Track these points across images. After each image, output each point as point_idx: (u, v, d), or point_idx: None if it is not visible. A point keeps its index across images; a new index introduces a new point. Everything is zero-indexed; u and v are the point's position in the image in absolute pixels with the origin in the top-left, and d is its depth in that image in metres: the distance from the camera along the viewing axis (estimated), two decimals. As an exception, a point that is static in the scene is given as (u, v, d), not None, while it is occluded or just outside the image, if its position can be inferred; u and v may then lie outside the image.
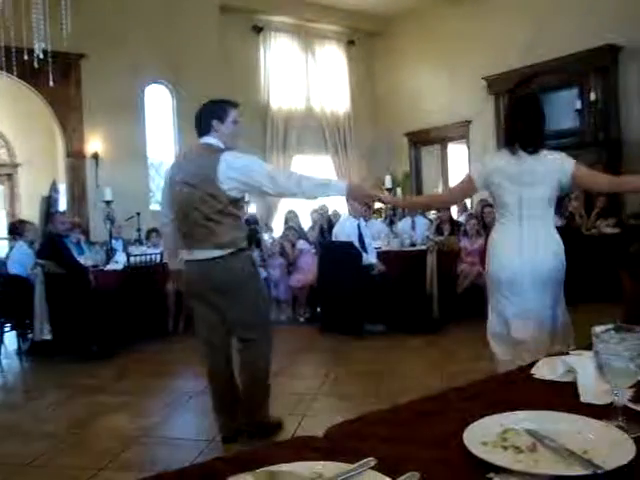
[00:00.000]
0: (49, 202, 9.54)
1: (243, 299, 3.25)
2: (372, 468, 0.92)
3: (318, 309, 7.16)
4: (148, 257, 6.69)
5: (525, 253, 3.03)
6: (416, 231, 7.80)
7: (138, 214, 8.58)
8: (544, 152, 3.06)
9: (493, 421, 1.08)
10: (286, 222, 8.36)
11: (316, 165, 11.95)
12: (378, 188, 10.52)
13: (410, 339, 5.93)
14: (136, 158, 9.71)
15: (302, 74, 11.95)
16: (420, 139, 12.34)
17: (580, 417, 1.08)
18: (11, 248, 7.09)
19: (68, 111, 9.21)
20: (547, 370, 1.40)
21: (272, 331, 3.52)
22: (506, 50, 10.09)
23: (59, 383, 5.11)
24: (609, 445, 0.95)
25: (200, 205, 3.13)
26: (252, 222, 7.82)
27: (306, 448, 1.06)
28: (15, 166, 11.61)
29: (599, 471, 0.86)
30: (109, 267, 6.59)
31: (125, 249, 7.42)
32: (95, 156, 9.39)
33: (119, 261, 6.73)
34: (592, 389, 1.22)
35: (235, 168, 3.11)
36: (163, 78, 10.01)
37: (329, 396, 4.37)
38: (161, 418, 4.06)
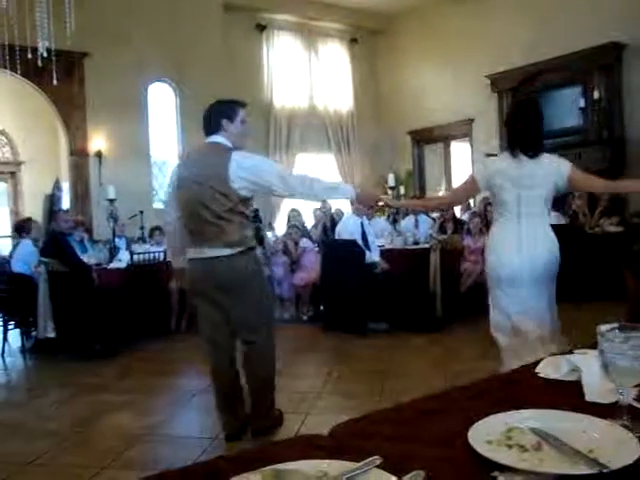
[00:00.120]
0: (52, 200, 9.57)
1: (247, 297, 3.26)
2: (377, 467, 0.92)
3: (321, 307, 7.16)
4: (151, 255, 6.69)
5: (524, 249, 3.16)
6: (419, 229, 7.79)
7: (141, 212, 8.60)
8: (543, 155, 3.18)
9: (498, 420, 1.07)
10: (289, 220, 8.36)
11: (319, 163, 11.96)
12: (381, 187, 10.54)
13: (413, 337, 5.92)
14: (139, 156, 9.72)
15: (305, 72, 11.96)
16: (423, 137, 12.34)
17: (585, 416, 1.07)
18: (14, 246, 7.10)
19: (71, 109, 9.23)
20: (551, 369, 1.40)
21: (275, 330, 3.52)
22: (509, 48, 10.07)
23: (62, 381, 5.12)
24: (614, 444, 0.95)
25: (210, 203, 3.14)
26: (257, 219, 7.82)
27: (311, 446, 1.06)
28: (18, 164, 11.63)
29: (605, 470, 0.86)
30: (112, 265, 6.60)
31: (128, 247, 7.43)
32: (98, 154, 9.41)
33: (122, 259, 6.73)
34: (597, 388, 1.22)
35: (245, 167, 3.13)
36: (166, 76, 10.03)
37: (332, 394, 4.37)
38: (164, 416, 4.07)
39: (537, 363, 1.46)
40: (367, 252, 6.37)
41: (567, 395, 1.24)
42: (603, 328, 1.09)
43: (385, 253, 6.68)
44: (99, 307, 5.81)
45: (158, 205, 9.78)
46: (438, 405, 1.24)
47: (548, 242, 3.23)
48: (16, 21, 5.68)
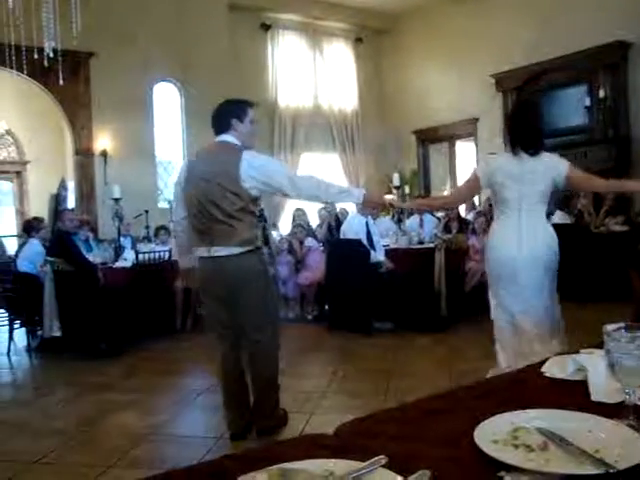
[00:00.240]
0: (58, 199, 9.59)
1: (253, 296, 3.27)
2: (383, 466, 0.92)
3: (326, 307, 7.16)
4: (157, 255, 6.70)
5: (524, 245, 3.27)
6: (424, 229, 7.78)
7: (146, 212, 8.62)
8: (543, 154, 3.32)
9: (504, 419, 1.07)
10: (294, 220, 8.36)
11: (324, 163, 11.96)
12: (386, 187, 10.53)
13: (418, 337, 5.92)
14: (144, 156, 9.74)
15: (310, 72, 11.96)
16: (428, 137, 12.32)
17: (591, 416, 1.07)
18: (21, 245, 7.12)
19: (77, 109, 9.26)
20: (557, 368, 1.40)
21: (280, 330, 3.53)
22: (514, 47, 10.05)
23: (68, 380, 5.14)
24: (621, 444, 0.95)
25: (221, 202, 3.14)
26: (262, 219, 7.82)
27: (316, 446, 1.06)
28: (24, 164, 11.68)
29: (611, 470, 0.86)
30: (118, 265, 6.61)
31: (134, 247, 7.44)
32: (104, 154, 9.43)
33: (128, 259, 6.75)
34: (603, 388, 1.21)
35: (255, 167, 3.15)
36: (172, 76, 10.04)
37: (337, 394, 4.37)
38: (169, 416, 4.07)
39: (543, 363, 1.46)
40: (372, 251, 6.37)
41: (573, 395, 1.24)
42: (609, 328, 1.09)
43: (390, 252, 6.67)
44: (104, 306, 5.83)
45: (163, 204, 9.81)
46: (444, 405, 1.24)
47: (548, 237, 3.34)
48: (22, 21, 5.69)
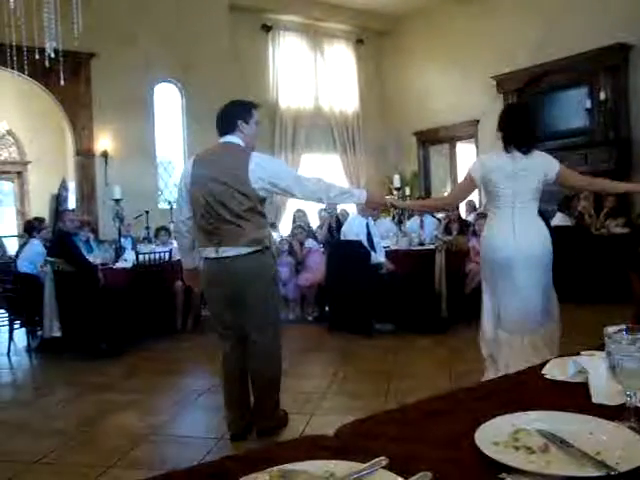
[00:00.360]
0: (58, 200, 9.60)
1: (259, 296, 3.27)
2: (384, 467, 0.92)
3: (326, 308, 7.16)
4: (157, 255, 6.70)
5: (518, 237, 3.38)
6: (424, 230, 7.79)
7: (147, 212, 8.62)
8: (535, 152, 3.45)
9: (505, 421, 1.07)
10: (294, 221, 8.36)
11: (324, 164, 11.96)
12: (387, 188, 10.53)
13: (419, 338, 5.92)
14: (145, 156, 9.75)
15: (311, 73, 11.96)
16: (429, 138, 12.33)
17: (592, 418, 1.07)
18: (22, 246, 7.12)
19: (78, 109, 9.26)
20: (558, 370, 1.39)
21: (281, 330, 3.53)
22: (515, 49, 10.06)
23: (68, 380, 5.14)
24: (622, 446, 0.95)
25: (229, 202, 3.15)
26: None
27: (316, 447, 1.06)
28: (25, 164, 11.69)
29: (612, 472, 0.86)
30: (118, 265, 6.61)
31: (134, 247, 7.44)
32: (104, 154, 9.43)
33: (128, 259, 6.75)
34: (604, 390, 1.21)
35: (264, 168, 3.18)
36: (172, 77, 10.05)
37: (337, 395, 4.36)
38: (170, 416, 4.07)
39: (544, 364, 1.46)
40: (372, 253, 6.37)
41: (574, 397, 1.24)
42: (610, 330, 1.09)
43: (390, 254, 6.67)
44: (105, 307, 5.83)
45: (163, 205, 9.82)
46: (444, 406, 1.24)
47: (540, 233, 3.46)
48: (24, 22, 5.69)
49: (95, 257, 6.63)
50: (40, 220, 7.38)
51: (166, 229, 7.61)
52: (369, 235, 6.47)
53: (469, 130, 11.41)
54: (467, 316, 6.25)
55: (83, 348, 5.86)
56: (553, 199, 7.65)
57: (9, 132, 11.41)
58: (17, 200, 11.82)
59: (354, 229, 6.53)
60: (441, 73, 11.78)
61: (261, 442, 3.30)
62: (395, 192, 8.56)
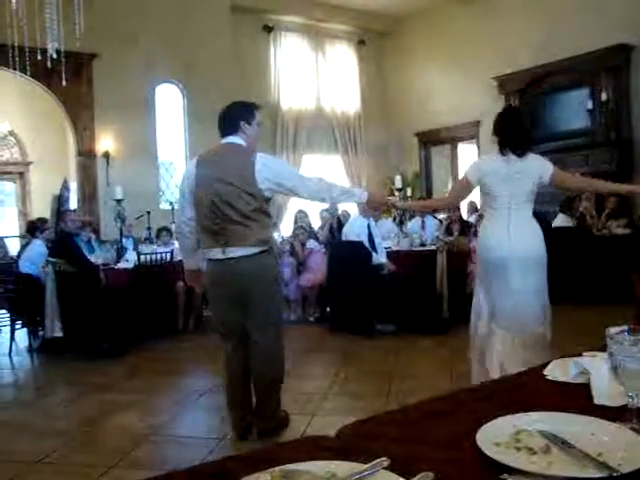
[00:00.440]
0: (60, 200, 9.60)
1: (264, 296, 3.28)
2: (385, 468, 0.92)
3: (328, 309, 7.16)
4: (158, 256, 6.71)
5: (512, 238, 3.44)
6: (426, 231, 7.78)
7: (148, 213, 8.62)
8: (530, 155, 3.53)
9: (506, 422, 1.07)
10: (296, 221, 8.36)
11: (326, 165, 11.96)
12: (388, 189, 10.53)
13: (420, 339, 5.91)
14: (147, 157, 9.75)
15: (312, 74, 11.96)
16: (430, 139, 12.32)
17: (594, 419, 1.07)
18: (24, 246, 7.12)
19: (80, 110, 9.27)
20: (560, 371, 1.39)
21: (283, 331, 3.53)
22: (517, 50, 10.05)
23: (70, 381, 5.15)
24: (624, 447, 0.95)
25: (236, 202, 3.16)
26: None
27: (318, 447, 1.06)
28: (27, 164, 11.70)
29: (614, 474, 0.86)
30: (120, 265, 6.62)
31: (135, 248, 7.45)
32: (106, 155, 9.44)
33: (129, 260, 6.76)
34: (606, 391, 1.21)
35: (270, 169, 3.20)
36: (174, 77, 10.05)
37: (339, 396, 4.36)
38: (171, 416, 4.07)
39: (545, 365, 1.46)
40: (374, 254, 6.37)
41: (575, 398, 1.24)
42: (612, 331, 1.09)
43: (392, 255, 6.68)
44: (106, 307, 5.83)
45: (165, 206, 9.82)
46: (446, 407, 1.24)
47: (535, 235, 3.53)
48: (26, 23, 5.70)
49: (97, 257, 6.64)
50: (43, 220, 7.37)
51: (167, 229, 7.61)
52: (370, 236, 6.46)
53: (470, 131, 11.40)
54: (468, 317, 6.23)
55: (84, 348, 5.87)
56: (555, 200, 7.66)
57: (11, 133, 11.42)
58: (19, 200, 11.83)
59: (355, 230, 6.53)
60: (442, 74, 11.78)
61: (262, 443, 3.30)
62: (396, 193, 8.57)
